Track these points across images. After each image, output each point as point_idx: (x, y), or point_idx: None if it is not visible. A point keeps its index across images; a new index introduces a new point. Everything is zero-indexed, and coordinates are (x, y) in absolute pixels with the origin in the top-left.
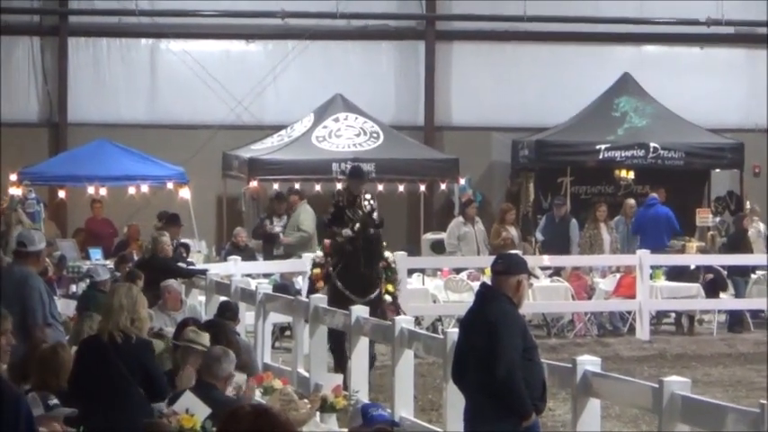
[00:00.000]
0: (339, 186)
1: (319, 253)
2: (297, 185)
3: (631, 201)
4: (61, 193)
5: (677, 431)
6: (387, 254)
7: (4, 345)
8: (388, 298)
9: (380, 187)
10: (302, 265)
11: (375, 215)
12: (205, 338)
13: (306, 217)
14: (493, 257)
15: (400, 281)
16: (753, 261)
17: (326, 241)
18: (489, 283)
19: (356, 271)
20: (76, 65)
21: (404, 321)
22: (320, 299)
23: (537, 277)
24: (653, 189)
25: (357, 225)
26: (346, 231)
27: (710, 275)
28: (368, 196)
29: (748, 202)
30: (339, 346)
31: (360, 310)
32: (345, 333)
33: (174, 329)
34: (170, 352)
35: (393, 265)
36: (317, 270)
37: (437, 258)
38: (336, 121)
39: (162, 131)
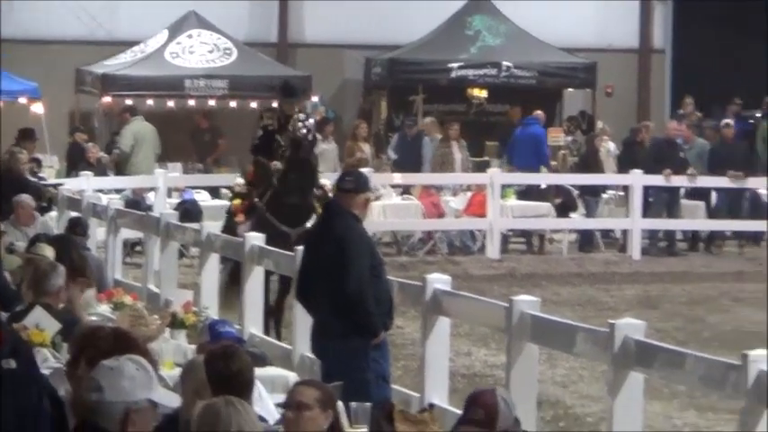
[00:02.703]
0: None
1: (240, 180)
2: (150, 101)
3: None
4: None
5: (526, 350)
6: (323, 181)
7: None
8: None
9: (233, 104)
10: (154, 181)
11: (311, 137)
12: (47, 251)
13: (124, 134)
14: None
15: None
16: (604, 181)
17: (250, 168)
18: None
19: (286, 200)
20: None
21: (254, 238)
22: (172, 215)
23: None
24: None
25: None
26: (276, 164)
27: (559, 200)
28: (302, 116)
29: (600, 122)
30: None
31: (210, 227)
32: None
33: (26, 244)
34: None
35: (330, 195)
36: (237, 201)
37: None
38: (190, 38)
39: (15, 46)
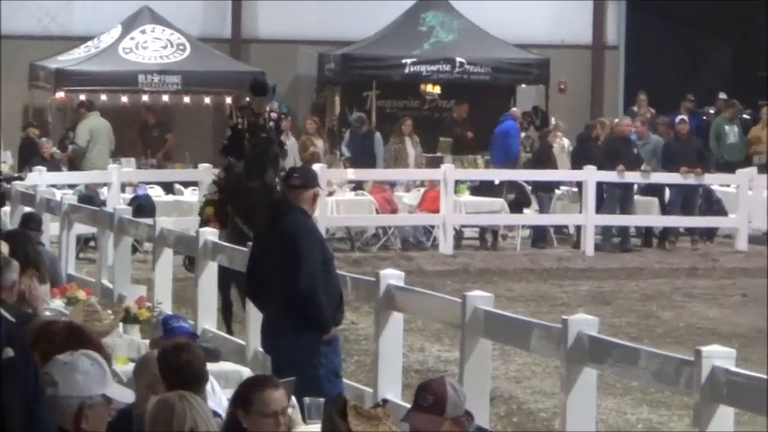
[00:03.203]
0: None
1: (213, 187)
2: (103, 97)
3: None
4: None
5: (480, 345)
6: None
7: None
8: None
9: (186, 99)
10: (107, 177)
11: (284, 138)
12: (1, 247)
13: (80, 129)
14: None
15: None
16: (557, 177)
17: (221, 173)
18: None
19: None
20: None
21: (208, 234)
22: (125, 210)
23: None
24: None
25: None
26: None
27: (512, 195)
28: (274, 115)
29: (553, 118)
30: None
31: (163, 222)
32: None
33: None
34: None
35: None
36: (210, 209)
37: None
38: (143, 33)
39: None
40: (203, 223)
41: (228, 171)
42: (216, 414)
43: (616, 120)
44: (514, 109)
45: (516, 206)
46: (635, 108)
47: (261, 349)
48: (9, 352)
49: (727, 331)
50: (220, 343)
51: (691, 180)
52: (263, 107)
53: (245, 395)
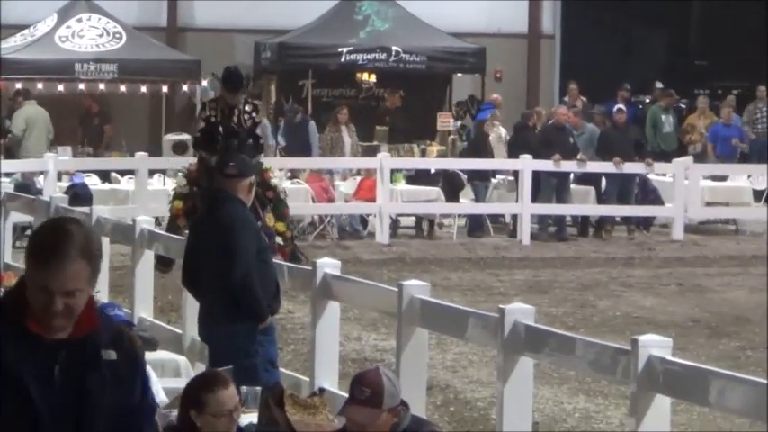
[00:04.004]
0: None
1: (183, 180)
2: (40, 85)
3: None
4: None
5: (416, 334)
6: (273, 181)
7: None
8: (278, 240)
9: (123, 88)
10: (44, 165)
11: (259, 131)
12: None
13: (16, 118)
14: None
15: (293, 220)
16: (493, 166)
17: (191, 166)
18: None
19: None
20: None
21: (144, 222)
22: (62, 199)
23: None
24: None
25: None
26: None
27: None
28: (248, 108)
29: None
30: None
31: (100, 211)
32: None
33: None
34: None
35: (282, 196)
36: (179, 203)
37: (179, 159)
38: (80, 22)
39: None
40: (173, 218)
41: (199, 164)
42: None
43: (552, 109)
44: (495, 96)
45: (450, 189)
46: (566, 99)
47: (197, 338)
48: (111, 354)
49: (664, 320)
50: (157, 332)
51: (629, 169)
52: (237, 99)
53: (198, 397)
